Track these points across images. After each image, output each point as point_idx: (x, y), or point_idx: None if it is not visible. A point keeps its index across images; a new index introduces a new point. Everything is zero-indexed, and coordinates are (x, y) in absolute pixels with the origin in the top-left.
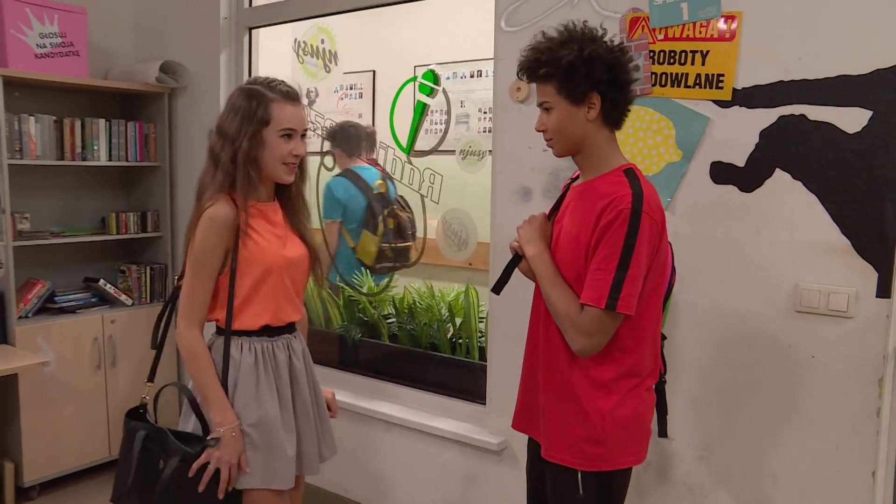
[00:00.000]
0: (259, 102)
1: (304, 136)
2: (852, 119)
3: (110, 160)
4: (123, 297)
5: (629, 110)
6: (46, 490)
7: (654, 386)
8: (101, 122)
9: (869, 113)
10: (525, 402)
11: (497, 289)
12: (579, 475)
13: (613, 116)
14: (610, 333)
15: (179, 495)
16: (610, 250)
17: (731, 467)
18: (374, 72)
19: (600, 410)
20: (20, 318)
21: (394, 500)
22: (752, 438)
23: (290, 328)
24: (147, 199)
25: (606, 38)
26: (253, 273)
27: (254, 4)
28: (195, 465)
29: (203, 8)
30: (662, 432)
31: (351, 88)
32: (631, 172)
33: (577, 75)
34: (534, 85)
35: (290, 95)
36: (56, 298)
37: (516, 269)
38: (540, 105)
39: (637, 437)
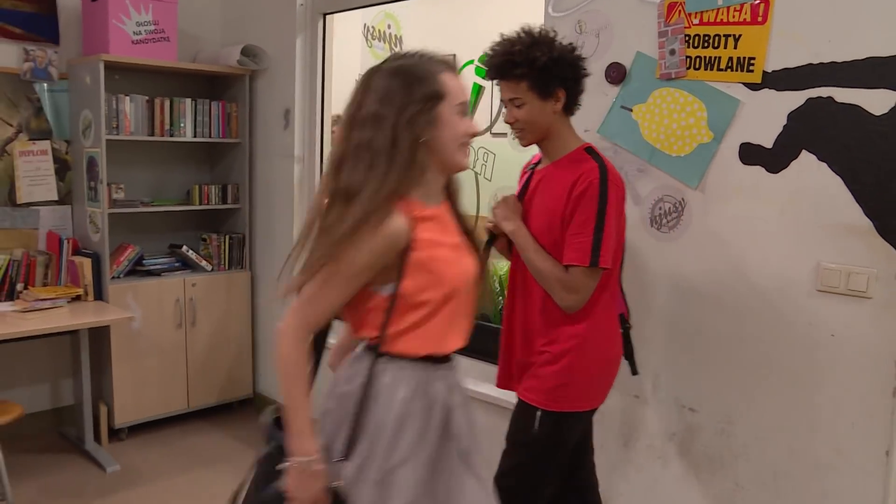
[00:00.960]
0: (427, 75)
1: None
2: (879, 101)
3: (195, 136)
4: (204, 263)
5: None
6: (134, 433)
7: (621, 332)
8: (188, 101)
9: None
10: (505, 361)
11: None
12: (538, 413)
13: (571, 106)
14: (593, 288)
15: None
16: (586, 216)
17: (749, 440)
18: (454, 55)
19: (570, 359)
20: (113, 278)
21: None
22: (770, 413)
23: (450, 358)
24: (228, 173)
25: (558, 40)
26: (430, 294)
27: None
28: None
29: None
30: (634, 370)
31: None
32: (591, 150)
33: (549, 74)
34: None
35: (452, 65)
36: (144, 262)
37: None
38: (510, 100)
39: (599, 385)
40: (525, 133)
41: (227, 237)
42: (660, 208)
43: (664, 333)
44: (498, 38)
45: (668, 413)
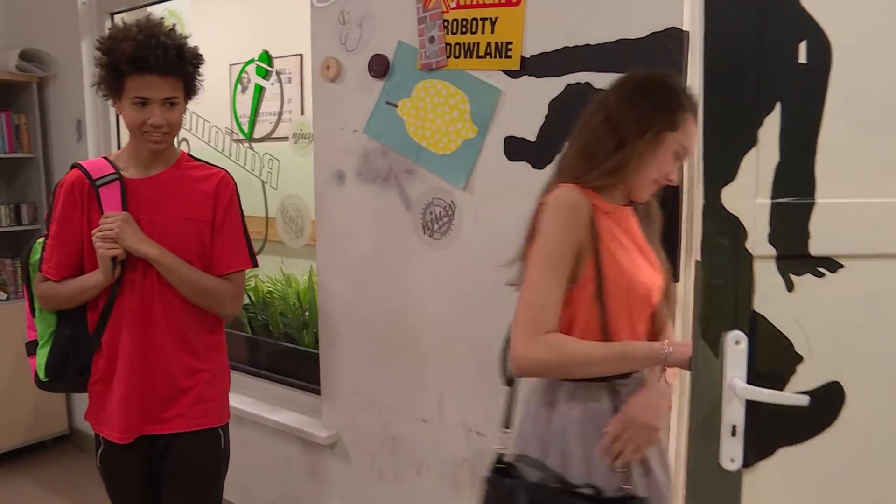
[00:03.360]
0: (678, 105)
1: None
2: None
3: None
4: None
5: None
6: None
7: None
8: None
9: None
10: (135, 403)
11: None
12: (220, 430)
13: None
14: None
15: None
16: (234, 221)
17: None
18: (301, 55)
19: (223, 365)
20: None
21: (249, 494)
22: None
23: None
24: (25, 191)
25: None
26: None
27: None
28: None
29: None
30: None
31: (279, 74)
32: (192, 156)
33: (197, 71)
34: (341, 62)
35: (696, 110)
36: None
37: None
38: (166, 100)
39: None
40: (168, 138)
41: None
42: (431, 213)
43: (444, 349)
44: (123, 27)
45: (457, 438)
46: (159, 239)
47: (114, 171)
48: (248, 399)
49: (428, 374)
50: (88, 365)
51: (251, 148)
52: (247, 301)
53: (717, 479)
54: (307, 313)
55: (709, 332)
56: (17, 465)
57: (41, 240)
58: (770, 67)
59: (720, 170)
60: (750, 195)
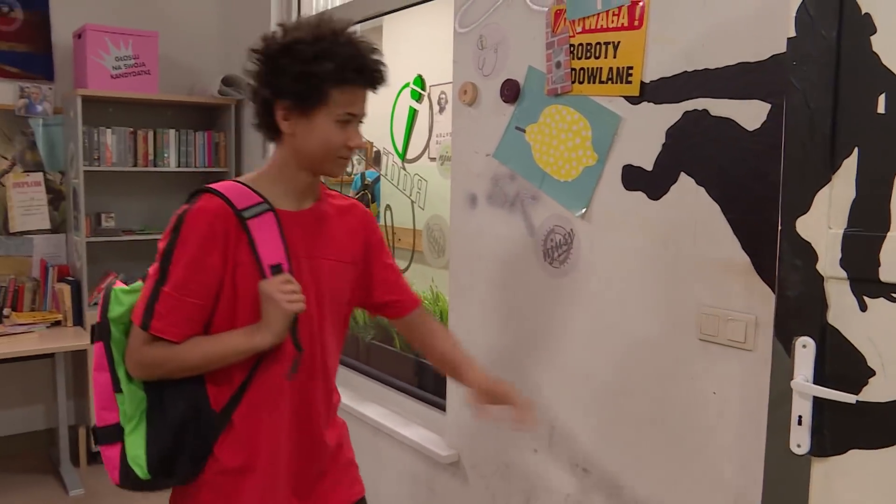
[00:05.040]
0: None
1: None
2: (752, 114)
3: (178, 166)
4: None
5: None
6: None
7: None
8: (171, 132)
9: (768, 106)
10: (290, 489)
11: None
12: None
13: None
14: None
15: None
16: (387, 250)
17: None
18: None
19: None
20: (94, 304)
21: None
22: (656, 481)
23: None
24: None
25: None
26: None
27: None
28: None
29: (260, 26)
30: None
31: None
32: (323, 183)
33: None
34: (478, 86)
35: None
36: None
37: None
38: (358, 118)
39: None
40: (351, 159)
41: None
42: (552, 240)
43: (556, 380)
44: (348, 35)
45: (563, 471)
46: (321, 284)
47: (261, 199)
48: (385, 411)
49: (540, 404)
50: (207, 453)
51: (404, 168)
52: None
53: (787, 461)
54: None
55: (782, 335)
56: None
57: (120, 287)
58: (850, 117)
59: (796, 202)
60: (822, 225)
